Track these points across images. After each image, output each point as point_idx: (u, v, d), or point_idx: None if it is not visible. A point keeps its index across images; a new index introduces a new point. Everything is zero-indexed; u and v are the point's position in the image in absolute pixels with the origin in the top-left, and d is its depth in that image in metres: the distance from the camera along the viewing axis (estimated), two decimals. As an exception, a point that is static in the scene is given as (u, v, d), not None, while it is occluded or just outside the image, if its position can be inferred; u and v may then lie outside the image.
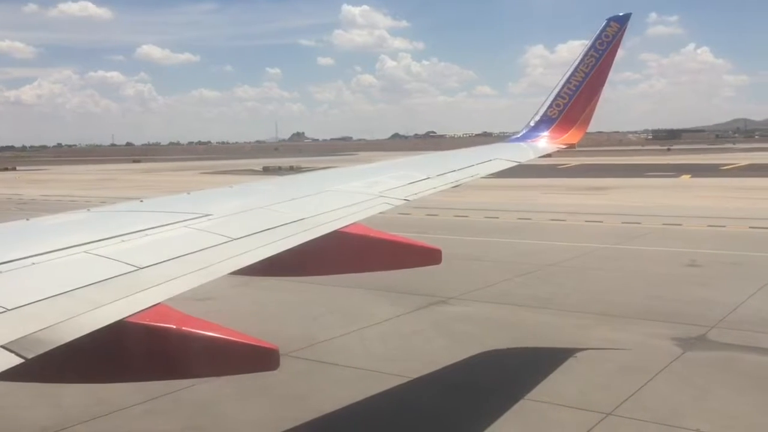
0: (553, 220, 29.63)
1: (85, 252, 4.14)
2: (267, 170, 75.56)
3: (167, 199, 6.37)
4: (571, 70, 11.09)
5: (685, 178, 53.94)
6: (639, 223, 27.70)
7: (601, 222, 28.66)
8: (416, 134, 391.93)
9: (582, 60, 11.00)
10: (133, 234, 4.60)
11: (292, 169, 69.42)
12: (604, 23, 11.09)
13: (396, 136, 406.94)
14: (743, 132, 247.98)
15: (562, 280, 17.93)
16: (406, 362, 11.61)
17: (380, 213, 6.34)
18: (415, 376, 10.92)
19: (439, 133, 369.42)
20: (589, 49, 11.01)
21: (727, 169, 62.67)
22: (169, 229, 4.88)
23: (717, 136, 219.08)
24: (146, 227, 4.78)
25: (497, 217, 31.07)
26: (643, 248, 22.44)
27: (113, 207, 6.19)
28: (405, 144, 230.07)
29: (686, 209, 31.75)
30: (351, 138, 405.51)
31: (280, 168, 76.88)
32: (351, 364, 11.56)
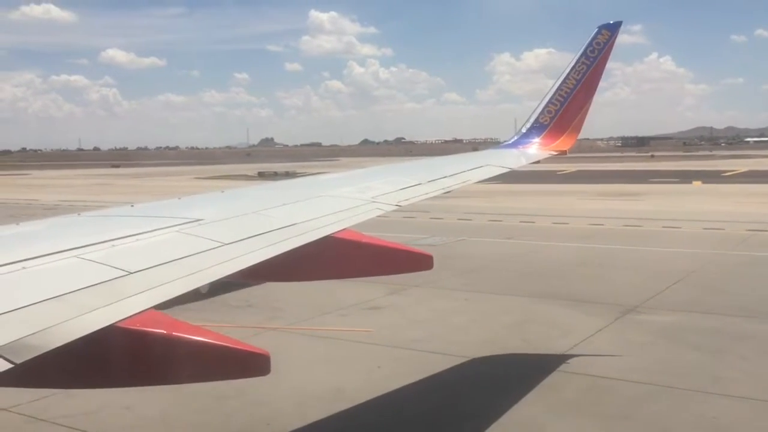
0: (626, 226, 29.53)
1: (75, 257, 4.12)
2: (263, 175, 75.15)
3: (158, 204, 6.35)
4: (563, 77, 11.14)
5: (697, 184, 53.96)
6: (722, 229, 27.62)
7: (680, 228, 28.62)
8: (386, 140, 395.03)
9: (573, 67, 11.05)
10: (124, 239, 4.58)
11: (288, 175, 69.14)
12: (595, 31, 11.15)
13: (366, 142, 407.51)
14: (708, 140, 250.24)
15: (727, 286, 17.55)
16: (693, 377, 10.97)
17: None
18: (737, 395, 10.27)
19: (407, 139, 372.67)
20: (581, 56, 11.06)
21: (730, 176, 62.76)
22: (160, 233, 4.86)
23: (684, 143, 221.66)
24: (137, 232, 4.76)
25: (567, 223, 30.82)
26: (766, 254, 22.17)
27: (104, 211, 6.15)
28: (381, 150, 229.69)
29: (749, 215, 31.47)
30: (321, 144, 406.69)
31: (276, 173, 76.45)
32: (631, 379, 10.96)
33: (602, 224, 29.97)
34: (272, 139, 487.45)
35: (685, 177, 60.17)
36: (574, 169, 70.04)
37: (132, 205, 6.03)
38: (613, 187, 51.05)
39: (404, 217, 32.94)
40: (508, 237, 27.20)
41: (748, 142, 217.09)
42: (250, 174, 79.41)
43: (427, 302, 16.60)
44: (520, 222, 31.38)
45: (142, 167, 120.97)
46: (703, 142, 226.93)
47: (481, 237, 27.24)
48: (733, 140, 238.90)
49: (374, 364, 12.07)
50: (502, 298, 16.80)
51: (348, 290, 16.76)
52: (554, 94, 11.19)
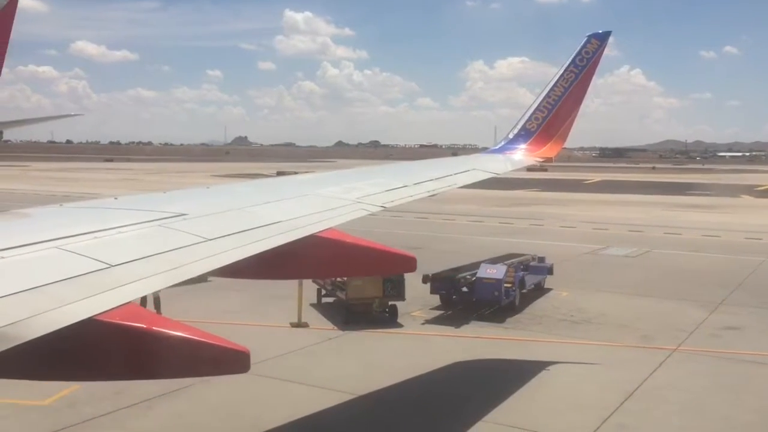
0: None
1: (56, 248, 4.07)
2: (283, 175, 73.89)
3: (142, 197, 6.32)
4: (551, 84, 11.19)
5: (748, 197, 55.11)
6: None
7: None
8: (360, 143, 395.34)
9: (562, 75, 11.11)
10: (107, 231, 4.53)
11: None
12: (584, 40, 11.22)
13: (340, 144, 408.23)
14: (681, 153, 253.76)
15: None
16: None
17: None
18: None
19: (382, 142, 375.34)
20: (569, 64, 11.12)
21: (764, 190, 64.14)
22: (144, 227, 4.82)
23: (660, 156, 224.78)
24: (120, 224, 4.71)
25: (718, 236, 31.06)
26: None
27: (86, 203, 6.09)
28: (362, 152, 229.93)
29: None
30: (294, 144, 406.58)
31: (296, 173, 74.95)
32: None
33: (760, 239, 30.31)
34: (246, 137, 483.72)
35: (721, 190, 61.20)
36: (598, 179, 70.78)
37: (116, 198, 5.98)
38: (673, 198, 51.93)
39: (531, 225, 34.52)
40: (695, 250, 27.39)
41: (723, 156, 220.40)
42: (267, 173, 78.44)
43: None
44: (665, 233, 31.92)
45: (135, 162, 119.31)
46: (678, 156, 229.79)
47: (664, 249, 27.38)
48: (706, 154, 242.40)
49: None
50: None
51: (646, 305, 17.10)
52: (542, 101, 11.24)
